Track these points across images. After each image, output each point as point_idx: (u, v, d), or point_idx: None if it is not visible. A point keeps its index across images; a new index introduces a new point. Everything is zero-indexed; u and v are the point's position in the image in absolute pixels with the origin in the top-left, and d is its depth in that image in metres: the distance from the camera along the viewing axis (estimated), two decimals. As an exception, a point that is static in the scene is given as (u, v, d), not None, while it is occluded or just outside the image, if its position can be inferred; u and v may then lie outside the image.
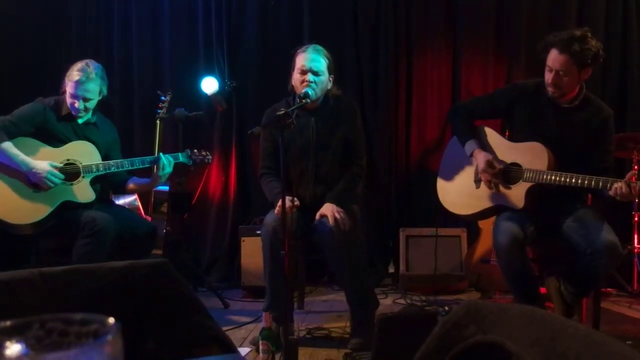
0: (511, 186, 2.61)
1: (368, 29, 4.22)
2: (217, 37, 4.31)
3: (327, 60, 2.73)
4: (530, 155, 2.58)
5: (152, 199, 3.47)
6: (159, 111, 3.56)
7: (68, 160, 2.82)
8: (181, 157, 3.07)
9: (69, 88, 2.79)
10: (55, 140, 2.83)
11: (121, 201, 3.39)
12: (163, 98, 3.60)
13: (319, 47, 2.76)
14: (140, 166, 2.95)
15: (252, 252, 3.64)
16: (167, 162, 2.93)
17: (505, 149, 2.69)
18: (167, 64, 4.41)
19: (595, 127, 2.58)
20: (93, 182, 2.85)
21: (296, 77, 2.71)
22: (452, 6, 4.20)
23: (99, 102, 2.90)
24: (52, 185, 2.73)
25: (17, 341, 0.42)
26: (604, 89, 3.97)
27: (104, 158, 2.90)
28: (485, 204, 2.70)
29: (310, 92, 2.60)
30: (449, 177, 2.87)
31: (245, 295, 3.75)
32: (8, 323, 0.42)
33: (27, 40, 4.35)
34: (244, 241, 3.76)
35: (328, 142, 2.75)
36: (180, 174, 3.55)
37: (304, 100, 2.56)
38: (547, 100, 2.61)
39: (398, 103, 4.24)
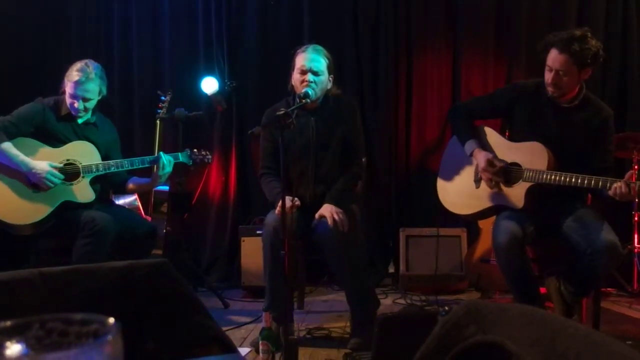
0: (511, 186, 2.62)
1: (368, 29, 4.22)
2: (217, 37, 4.31)
3: (327, 60, 2.73)
4: (530, 155, 2.58)
5: (152, 199, 3.47)
6: (159, 111, 3.56)
7: (68, 160, 2.81)
8: (181, 157, 3.07)
9: (68, 88, 2.79)
10: (55, 140, 2.83)
11: (121, 201, 3.39)
12: (163, 98, 3.60)
13: (319, 47, 2.76)
14: (140, 166, 2.95)
15: (252, 252, 3.64)
16: (167, 161, 2.93)
17: (505, 148, 2.69)
18: (167, 64, 4.41)
19: (595, 127, 2.58)
20: (93, 182, 2.85)
21: (296, 77, 2.71)
22: (452, 6, 4.20)
23: (99, 102, 2.90)
24: (51, 185, 2.73)
25: (17, 341, 0.42)
26: (604, 89, 3.97)
27: (104, 158, 2.90)
28: (485, 203, 2.70)
29: (310, 92, 2.60)
30: (449, 177, 2.87)
31: (245, 295, 3.75)
32: (8, 323, 0.42)
33: (27, 40, 4.35)
34: (244, 241, 3.76)
35: (328, 142, 2.75)
36: (180, 174, 3.55)
37: (303, 100, 2.56)
38: (547, 100, 2.61)
39: (398, 103, 4.24)
